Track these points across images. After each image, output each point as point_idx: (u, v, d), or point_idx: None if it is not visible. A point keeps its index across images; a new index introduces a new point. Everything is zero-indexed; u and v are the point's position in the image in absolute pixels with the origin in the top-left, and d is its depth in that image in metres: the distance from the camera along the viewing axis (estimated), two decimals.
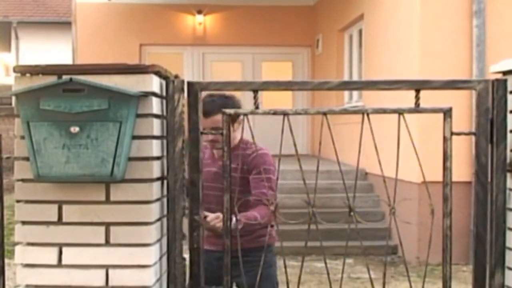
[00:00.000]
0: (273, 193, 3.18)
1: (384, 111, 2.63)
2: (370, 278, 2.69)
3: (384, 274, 2.96)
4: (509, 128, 2.50)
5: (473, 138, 2.62)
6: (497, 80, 2.50)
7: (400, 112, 2.55)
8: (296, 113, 2.65)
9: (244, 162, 3.28)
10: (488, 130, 2.52)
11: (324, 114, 2.60)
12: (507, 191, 2.50)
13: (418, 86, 2.58)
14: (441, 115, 2.59)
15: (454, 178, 2.60)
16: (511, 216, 2.51)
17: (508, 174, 2.50)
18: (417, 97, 2.56)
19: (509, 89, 2.49)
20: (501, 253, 2.50)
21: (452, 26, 7.15)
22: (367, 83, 2.76)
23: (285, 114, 2.50)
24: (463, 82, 2.60)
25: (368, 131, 2.97)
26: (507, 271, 2.51)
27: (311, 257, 6.91)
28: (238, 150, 3.24)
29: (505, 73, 2.55)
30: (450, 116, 2.54)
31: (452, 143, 2.54)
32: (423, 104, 2.72)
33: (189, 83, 2.56)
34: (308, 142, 12.81)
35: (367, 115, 2.57)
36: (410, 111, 2.59)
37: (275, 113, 2.58)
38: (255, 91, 2.53)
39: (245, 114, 2.63)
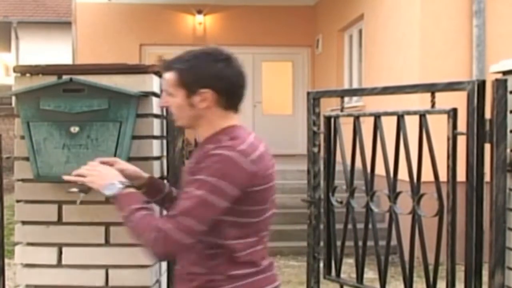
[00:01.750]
0: (189, 219, 1.80)
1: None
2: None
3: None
4: (509, 128, 2.50)
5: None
6: (497, 80, 2.50)
7: (421, 114, 2.65)
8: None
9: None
10: (474, 130, 2.53)
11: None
12: (507, 191, 2.50)
13: (429, 88, 2.66)
14: (442, 116, 2.61)
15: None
16: (511, 216, 2.51)
17: (508, 174, 2.50)
18: (432, 100, 2.64)
19: (509, 89, 2.49)
20: (501, 253, 2.50)
21: (452, 26, 7.15)
22: (397, 87, 2.94)
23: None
24: (458, 84, 2.63)
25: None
26: (507, 271, 2.51)
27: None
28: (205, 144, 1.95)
29: (505, 73, 2.55)
30: (453, 117, 2.56)
31: (456, 143, 2.57)
32: (424, 106, 2.74)
33: None
34: None
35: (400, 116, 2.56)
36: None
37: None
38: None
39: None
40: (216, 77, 1.90)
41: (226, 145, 1.85)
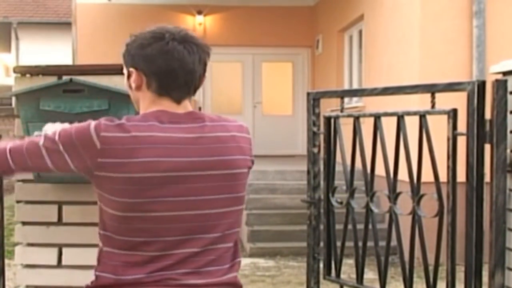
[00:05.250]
0: (24, 150, 1.84)
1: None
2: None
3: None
4: (509, 129, 2.50)
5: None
6: (497, 80, 2.50)
7: (421, 114, 2.65)
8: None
9: None
10: (474, 131, 2.53)
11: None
12: (507, 192, 2.50)
13: (429, 89, 2.67)
14: (442, 117, 2.61)
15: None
16: (511, 216, 2.51)
17: (508, 175, 2.50)
18: (433, 100, 2.64)
19: (509, 89, 2.49)
20: (501, 254, 2.50)
21: (452, 26, 7.15)
22: (397, 88, 2.97)
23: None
24: (458, 84, 2.64)
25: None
26: (507, 272, 2.51)
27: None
28: None
29: (505, 73, 2.55)
30: (453, 117, 2.56)
31: (456, 143, 2.57)
32: (424, 106, 2.74)
33: None
34: None
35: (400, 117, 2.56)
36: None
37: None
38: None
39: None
40: (144, 58, 1.79)
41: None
